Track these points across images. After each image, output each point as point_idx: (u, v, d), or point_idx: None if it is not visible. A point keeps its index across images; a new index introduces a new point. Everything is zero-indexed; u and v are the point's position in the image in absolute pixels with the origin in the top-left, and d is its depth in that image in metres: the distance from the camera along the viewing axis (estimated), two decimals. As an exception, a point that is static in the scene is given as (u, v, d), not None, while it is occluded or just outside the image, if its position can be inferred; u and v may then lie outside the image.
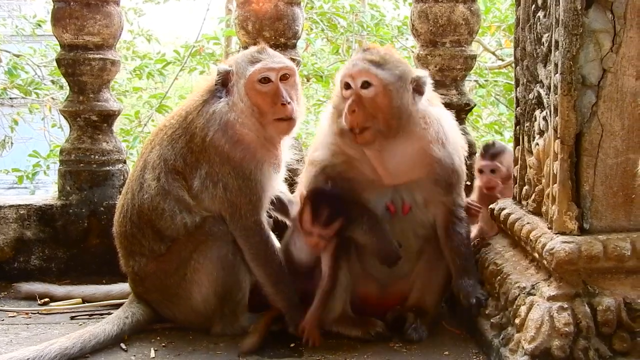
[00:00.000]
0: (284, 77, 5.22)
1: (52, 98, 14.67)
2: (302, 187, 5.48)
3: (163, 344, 5.13)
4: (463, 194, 5.49)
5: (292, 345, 5.11)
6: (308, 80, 13.46)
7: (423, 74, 5.30)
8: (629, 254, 4.47)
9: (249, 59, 5.23)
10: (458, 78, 6.60)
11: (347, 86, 5.12)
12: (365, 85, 5.07)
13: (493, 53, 15.08)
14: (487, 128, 13.66)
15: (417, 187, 5.32)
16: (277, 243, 5.51)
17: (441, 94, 6.39)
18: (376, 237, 5.23)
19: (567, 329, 4.40)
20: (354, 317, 5.34)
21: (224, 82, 5.21)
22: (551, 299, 4.45)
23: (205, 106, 5.25)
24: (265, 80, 5.15)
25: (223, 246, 5.17)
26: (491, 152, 5.89)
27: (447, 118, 5.47)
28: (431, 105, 5.37)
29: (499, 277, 4.99)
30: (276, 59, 5.24)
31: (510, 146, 5.66)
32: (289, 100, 5.16)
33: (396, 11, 15.29)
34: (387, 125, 5.08)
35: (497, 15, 13.70)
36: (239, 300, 5.26)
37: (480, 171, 5.93)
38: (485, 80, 14.06)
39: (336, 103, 5.25)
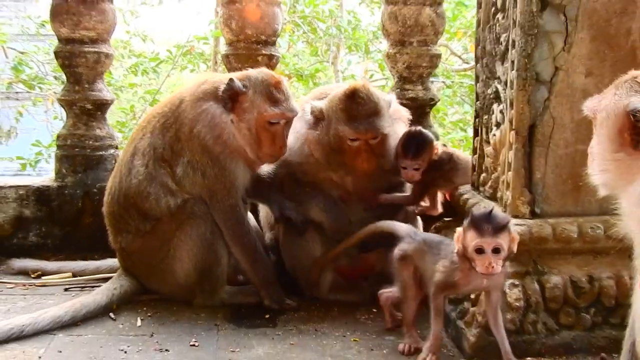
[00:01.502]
0: (288, 121, 5.22)
1: (55, 92, 14.52)
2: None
3: (149, 314, 5.10)
4: None
5: (267, 316, 5.11)
6: (289, 79, 13.42)
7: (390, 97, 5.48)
8: (575, 236, 4.50)
9: (267, 95, 5.13)
10: (424, 75, 6.58)
11: (355, 139, 5.19)
12: (375, 137, 5.21)
13: (459, 57, 15.11)
14: (452, 125, 13.69)
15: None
16: (253, 224, 5.54)
17: (408, 89, 6.40)
18: (331, 216, 5.33)
19: (517, 304, 4.42)
20: (345, 284, 5.44)
21: (233, 97, 5.13)
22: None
23: (201, 102, 5.18)
24: (276, 122, 5.13)
25: (203, 225, 5.15)
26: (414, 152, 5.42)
27: (403, 127, 5.54)
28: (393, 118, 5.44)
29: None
30: (291, 105, 5.19)
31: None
32: (286, 143, 5.19)
33: (371, 17, 15.28)
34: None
35: (464, 22, 13.71)
36: (218, 275, 5.24)
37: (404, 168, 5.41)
38: (452, 82, 14.10)
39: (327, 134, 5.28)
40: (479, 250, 4.04)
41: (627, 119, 3.27)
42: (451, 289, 4.27)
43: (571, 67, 4.54)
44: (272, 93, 5.14)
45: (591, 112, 3.48)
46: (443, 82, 13.98)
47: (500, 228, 4.06)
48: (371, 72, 14.85)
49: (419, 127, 5.46)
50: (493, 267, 4.03)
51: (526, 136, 4.57)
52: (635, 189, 3.26)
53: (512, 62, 4.62)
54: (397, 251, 4.56)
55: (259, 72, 5.24)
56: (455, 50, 14.99)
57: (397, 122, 5.48)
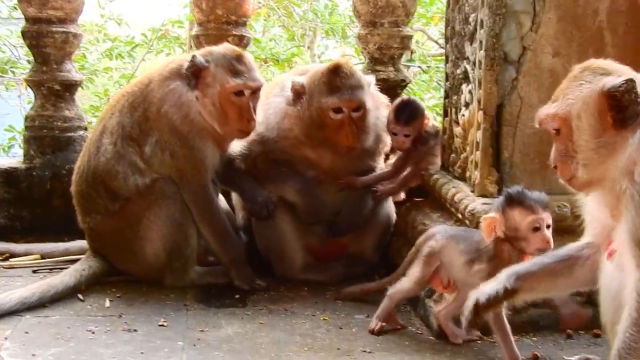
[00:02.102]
0: (254, 93, 5.18)
1: (29, 76, 14.46)
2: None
3: (118, 295, 5.09)
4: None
5: (237, 296, 5.12)
6: (265, 63, 13.39)
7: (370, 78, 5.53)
8: (543, 215, 4.52)
9: (229, 67, 5.11)
10: (395, 56, 6.57)
11: (338, 111, 5.17)
12: (358, 109, 5.21)
13: (436, 42, 15.09)
14: (429, 110, 13.69)
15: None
16: (223, 205, 5.55)
17: (380, 71, 6.40)
18: (305, 198, 5.34)
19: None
20: (317, 264, 5.47)
21: (195, 73, 5.11)
22: (471, 254, 4.47)
23: (168, 81, 5.17)
24: (240, 93, 5.10)
25: (172, 206, 5.15)
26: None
27: (383, 111, 5.54)
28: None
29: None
30: (253, 75, 5.17)
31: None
32: (254, 117, 5.15)
33: (348, 1, 15.23)
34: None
35: (440, 6, 13.70)
36: (188, 256, 5.24)
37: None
38: (428, 67, 14.09)
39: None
40: (537, 228, 4.02)
41: (606, 99, 3.33)
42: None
43: (539, 47, 4.59)
44: (233, 65, 5.12)
45: (553, 119, 3.50)
46: (419, 67, 13.98)
47: (547, 203, 4.10)
48: (348, 57, 14.83)
49: (413, 97, 5.50)
50: (550, 242, 4.00)
51: (494, 116, 4.62)
52: (616, 163, 3.33)
53: (481, 42, 4.65)
54: (426, 248, 4.43)
55: (221, 47, 5.24)
56: (432, 35, 14.99)
57: (377, 108, 5.50)
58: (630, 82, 3.32)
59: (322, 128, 5.22)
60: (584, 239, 3.78)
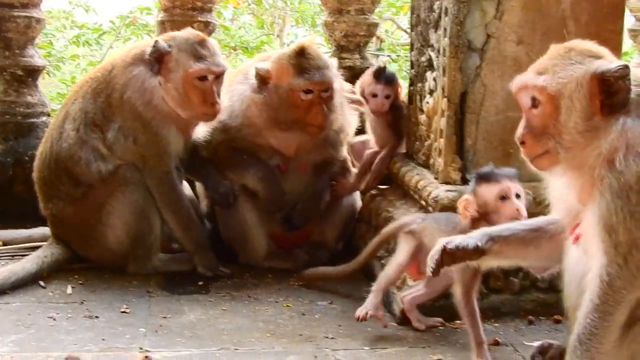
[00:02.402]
0: (218, 77, 5.16)
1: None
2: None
3: (80, 282, 5.06)
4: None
5: (200, 283, 5.12)
6: (235, 51, 13.34)
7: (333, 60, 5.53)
8: (505, 202, 4.53)
9: (192, 51, 5.09)
10: (361, 44, 6.59)
11: (308, 92, 5.18)
12: (327, 90, 5.23)
13: (405, 31, 15.09)
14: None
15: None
16: (188, 192, 5.55)
17: (345, 58, 6.40)
18: (266, 186, 5.33)
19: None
20: (280, 252, 5.48)
21: (158, 58, 5.08)
22: (434, 241, 4.49)
23: (131, 67, 5.15)
24: (203, 78, 5.08)
25: (135, 192, 5.14)
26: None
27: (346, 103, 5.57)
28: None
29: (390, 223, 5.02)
30: (216, 60, 5.15)
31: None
32: (218, 101, 5.12)
33: (318, -10, 15.23)
34: None
35: (410, -4, 13.72)
36: (151, 243, 5.23)
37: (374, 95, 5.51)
38: (398, 56, 14.09)
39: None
40: (504, 197, 4.04)
41: (598, 83, 3.28)
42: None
43: (502, 34, 4.61)
44: (196, 50, 5.11)
45: (540, 92, 3.36)
46: (389, 56, 13.99)
47: (515, 175, 4.11)
48: (312, 39, 14.78)
49: None
50: (520, 210, 4.01)
51: (458, 103, 4.64)
52: (593, 145, 3.28)
53: (445, 29, 4.66)
54: (404, 226, 4.45)
55: (184, 32, 5.22)
56: (402, 25, 15.00)
57: (342, 92, 5.53)
58: (626, 68, 3.26)
59: (291, 110, 5.21)
60: (553, 215, 3.73)
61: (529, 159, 3.47)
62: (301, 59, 5.18)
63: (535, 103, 3.39)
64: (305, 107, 5.19)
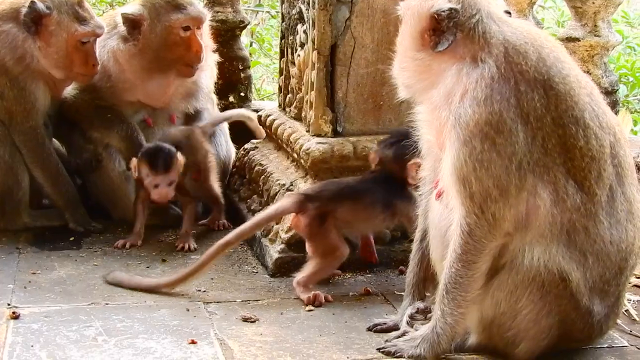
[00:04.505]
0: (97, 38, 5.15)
1: None
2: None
3: (-54, 239, 4.95)
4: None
5: (71, 239, 5.07)
6: (112, 7, 12.98)
7: None
8: (376, 153, 4.61)
9: (75, 14, 5.03)
10: (235, -4, 6.52)
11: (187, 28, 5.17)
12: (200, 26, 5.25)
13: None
14: (278, 55, 13.68)
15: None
16: (57, 147, 5.46)
17: (218, 11, 6.30)
18: (129, 145, 5.27)
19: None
20: (154, 208, 5.33)
21: (35, 20, 4.95)
22: (306, 193, 4.53)
23: (3, 26, 5.03)
24: (87, 41, 5.09)
25: (1, 148, 5.05)
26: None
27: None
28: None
29: (263, 177, 5.05)
30: (98, 22, 5.14)
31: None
32: (98, 61, 5.15)
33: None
34: None
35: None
36: (19, 199, 5.14)
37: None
38: (277, 12, 14.01)
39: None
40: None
41: (431, 19, 3.40)
42: None
43: (371, -14, 4.63)
44: (78, 12, 5.04)
45: (402, 11, 3.58)
46: (268, 12, 13.89)
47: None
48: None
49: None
50: None
51: (328, 56, 4.65)
52: (439, 91, 3.39)
53: (314, -19, 4.66)
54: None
55: None
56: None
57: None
58: (455, 12, 3.37)
59: (169, 49, 5.19)
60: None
61: None
62: None
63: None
64: (184, 45, 5.18)
